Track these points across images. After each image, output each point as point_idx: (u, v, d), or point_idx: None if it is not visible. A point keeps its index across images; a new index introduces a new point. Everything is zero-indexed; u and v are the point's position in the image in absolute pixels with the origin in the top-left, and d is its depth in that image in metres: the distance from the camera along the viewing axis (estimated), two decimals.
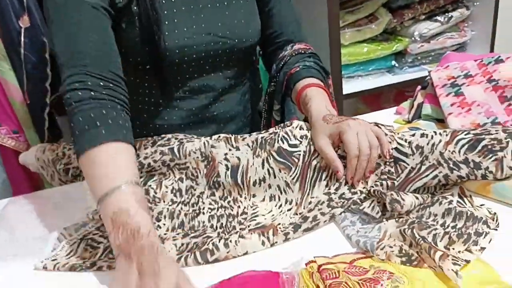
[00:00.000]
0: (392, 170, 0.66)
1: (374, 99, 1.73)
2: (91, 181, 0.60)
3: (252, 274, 0.52)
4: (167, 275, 0.50)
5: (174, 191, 0.73)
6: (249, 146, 0.73)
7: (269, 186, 0.70)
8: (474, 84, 0.85)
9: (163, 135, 0.80)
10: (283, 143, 0.71)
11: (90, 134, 0.60)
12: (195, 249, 0.60)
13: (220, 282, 0.52)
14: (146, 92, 0.82)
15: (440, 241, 0.53)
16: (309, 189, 0.69)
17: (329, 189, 0.67)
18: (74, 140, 0.62)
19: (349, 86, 1.53)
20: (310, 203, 0.67)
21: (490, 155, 0.62)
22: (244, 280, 0.52)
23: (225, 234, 0.63)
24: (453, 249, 0.52)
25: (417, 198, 0.62)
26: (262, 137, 0.73)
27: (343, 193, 0.65)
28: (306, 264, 0.53)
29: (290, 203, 0.68)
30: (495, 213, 0.58)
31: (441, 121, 0.84)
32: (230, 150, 0.73)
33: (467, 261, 0.49)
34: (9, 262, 0.63)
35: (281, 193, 0.70)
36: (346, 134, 0.65)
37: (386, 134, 0.67)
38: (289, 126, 0.74)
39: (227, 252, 0.59)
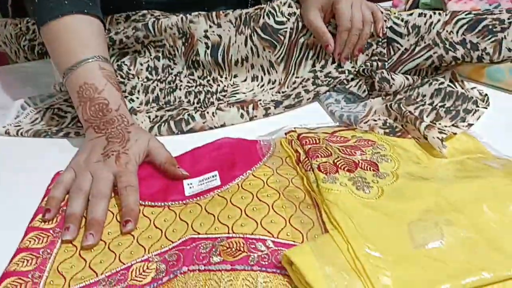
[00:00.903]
0: (384, 51, 0.62)
1: None
2: (55, 56, 0.54)
3: (227, 140, 0.50)
4: (137, 141, 0.47)
5: (149, 69, 0.68)
6: (231, 23, 0.67)
7: (252, 66, 0.66)
8: None
9: (138, 11, 0.73)
10: (269, 18, 0.65)
11: (51, 4, 0.53)
12: (169, 120, 0.56)
13: (193, 149, 0.49)
14: None
15: (427, 116, 0.51)
16: (294, 69, 0.64)
17: (315, 67, 0.63)
18: (34, 11, 0.55)
19: None
20: (294, 82, 0.63)
21: (489, 36, 0.58)
22: (219, 146, 0.49)
23: (202, 108, 0.59)
24: (440, 124, 0.49)
25: (407, 79, 0.58)
26: (246, 13, 0.67)
27: (330, 72, 0.61)
28: (285, 134, 0.50)
29: (273, 83, 0.64)
30: (486, 94, 0.55)
31: (440, 10, 0.79)
32: (210, 27, 0.67)
33: (454, 133, 0.47)
34: None
35: (264, 73, 0.65)
36: (340, 4, 0.60)
37: (382, 12, 0.62)
38: (276, 1, 0.67)
39: (203, 123, 0.56)
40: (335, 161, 0.43)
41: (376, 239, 0.33)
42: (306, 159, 0.44)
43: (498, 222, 0.34)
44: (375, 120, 0.51)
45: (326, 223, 0.36)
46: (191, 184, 0.45)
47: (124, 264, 0.38)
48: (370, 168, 0.42)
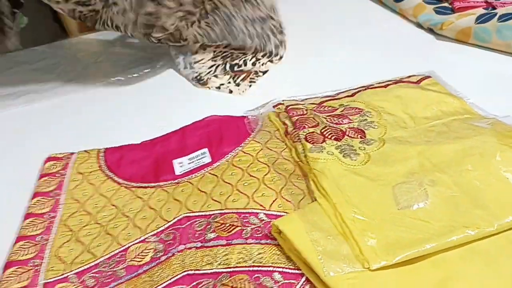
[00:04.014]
0: None
1: None
2: None
3: (215, 117, 0.50)
4: None
5: None
6: None
7: None
8: None
9: None
10: None
11: None
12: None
13: (181, 127, 0.50)
14: None
15: None
16: None
17: None
18: None
19: None
20: None
21: None
22: (207, 123, 0.49)
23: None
24: None
25: None
26: None
27: None
28: (273, 107, 0.50)
29: None
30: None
31: None
32: None
33: None
34: None
35: None
36: None
37: None
38: None
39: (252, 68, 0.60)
40: (322, 130, 0.43)
41: (361, 203, 0.34)
42: (294, 130, 0.44)
43: (482, 180, 0.34)
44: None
45: (314, 191, 0.37)
46: (181, 163, 0.46)
47: (122, 246, 0.38)
48: (357, 135, 0.43)
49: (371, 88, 0.51)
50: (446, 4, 0.66)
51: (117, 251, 0.38)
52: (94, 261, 0.38)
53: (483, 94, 0.49)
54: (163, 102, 0.59)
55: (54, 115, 0.59)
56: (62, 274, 0.37)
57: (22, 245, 0.39)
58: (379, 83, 0.52)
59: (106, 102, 0.60)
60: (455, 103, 0.47)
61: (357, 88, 0.52)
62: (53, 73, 0.67)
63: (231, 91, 0.59)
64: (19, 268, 0.38)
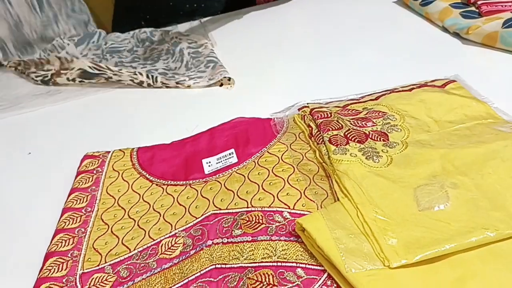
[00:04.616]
0: None
1: None
2: None
3: (242, 119, 0.52)
4: None
5: None
6: None
7: None
8: None
9: None
10: None
11: None
12: None
13: (210, 129, 0.52)
14: None
15: None
16: None
17: None
18: None
19: None
20: None
21: None
22: (234, 124, 0.51)
23: None
24: None
25: None
26: None
27: None
28: (298, 110, 0.52)
29: None
30: None
31: None
32: None
33: None
34: None
35: None
36: None
37: None
38: None
39: None
40: (346, 133, 0.44)
41: (383, 204, 0.35)
42: (318, 132, 0.46)
43: (503, 184, 0.35)
44: None
45: (337, 192, 0.38)
46: (209, 162, 0.48)
47: (153, 240, 0.41)
48: (380, 138, 0.44)
49: (396, 91, 0.52)
50: (473, 8, 0.66)
51: (149, 244, 0.40)
52: (128, 253, 0.40)
53: (508, 99, 0.49)
54: (190, 104, 0.61)
55: (88, 115, 0.62)
56: (98, 265, 0.39)
57: (61, 237, 0.42)
58: (404, 86, 0.53)
59: (137, 104, 0.63)
60: (479, 107, 0.47)
61: (381, 92, 0.53)
62: None
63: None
64: (59, 258, 0.41)
